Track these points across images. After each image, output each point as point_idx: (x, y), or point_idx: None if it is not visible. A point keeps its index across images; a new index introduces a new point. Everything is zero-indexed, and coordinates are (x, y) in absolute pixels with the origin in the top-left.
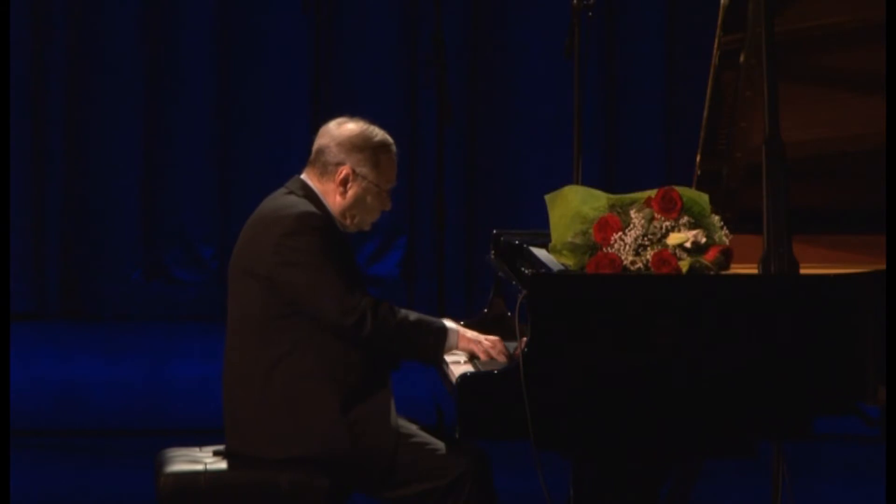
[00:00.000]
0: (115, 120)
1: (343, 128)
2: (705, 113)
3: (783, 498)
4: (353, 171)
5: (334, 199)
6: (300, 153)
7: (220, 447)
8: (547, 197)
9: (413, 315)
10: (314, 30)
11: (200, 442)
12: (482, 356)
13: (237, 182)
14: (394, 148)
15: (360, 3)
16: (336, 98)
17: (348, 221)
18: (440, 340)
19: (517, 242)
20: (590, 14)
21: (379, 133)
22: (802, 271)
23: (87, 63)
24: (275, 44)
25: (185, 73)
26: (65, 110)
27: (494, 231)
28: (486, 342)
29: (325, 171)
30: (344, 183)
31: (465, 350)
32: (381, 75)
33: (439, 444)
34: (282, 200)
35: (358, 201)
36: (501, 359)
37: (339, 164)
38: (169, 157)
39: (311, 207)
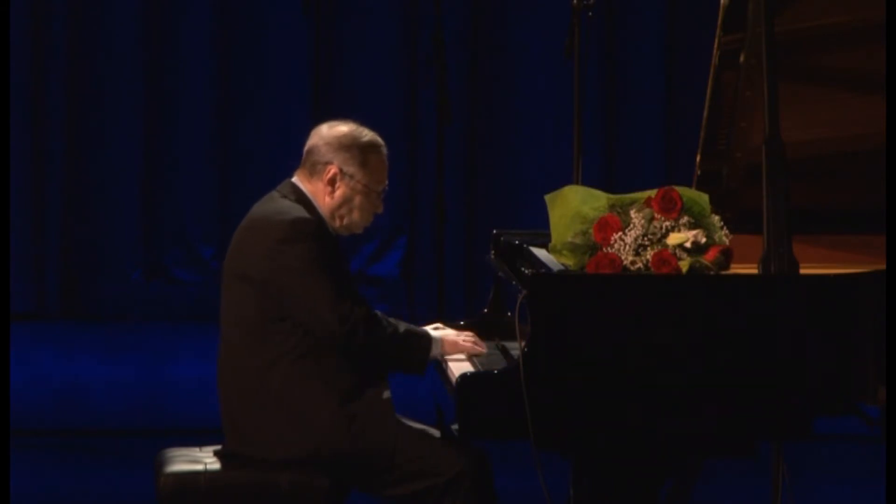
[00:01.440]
0: (115, 120)
1: (333, 129)
2: (705, 113)
3: (783, 498)
4: (341, 171)
5: (323, 200)
6: (300, 153)
7: (220, 447)
8: (547, 197)
9: (402, 327)
10: (314, 30)
11: (200, 442)
12: (468, 353)
13: (237, 182)
14: (384, 150)
15: (360, 4)
16: (336, 98)
17: (338, 223)
18: (426, 355)
19: (517, 242)
20: (590, 14)
21: (368, 133)
22: (802, 271)
23: (87, 63)
24: (275, 44)
25: (185, 73)
26: (65, 110)
27: (494, 231)
28: (464, 344)
29: (314, 170)
30: (332, 182)
31: (451, 355)
32: (381, 75)
33: (438, 443)
34: (275, 205)
35: (346, 201)
36: (482, 350)
37: (327, 163)
38: (169, 157)
39: (304, 213)
